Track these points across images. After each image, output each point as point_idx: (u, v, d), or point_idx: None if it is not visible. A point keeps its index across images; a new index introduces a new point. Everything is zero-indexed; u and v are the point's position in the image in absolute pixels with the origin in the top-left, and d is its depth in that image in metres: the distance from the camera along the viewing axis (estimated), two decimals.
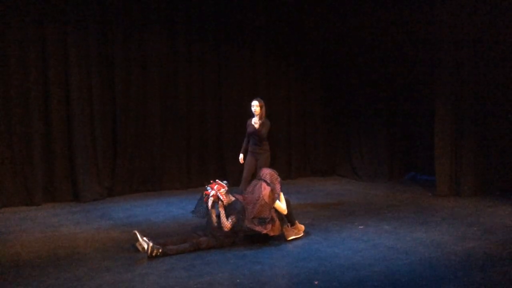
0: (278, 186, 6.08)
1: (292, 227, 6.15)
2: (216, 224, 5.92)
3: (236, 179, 9.62)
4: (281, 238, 6.06)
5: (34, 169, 8.19)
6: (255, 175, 7.00)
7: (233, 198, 5.95)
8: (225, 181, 6.07)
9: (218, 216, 5.97)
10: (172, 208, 7.97)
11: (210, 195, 5.89)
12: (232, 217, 5.78)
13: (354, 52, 10.50)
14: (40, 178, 8.24)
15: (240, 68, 10.17)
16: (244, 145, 7.44)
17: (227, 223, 5.78)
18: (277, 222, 6.00)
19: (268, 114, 10.61)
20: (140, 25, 9.08)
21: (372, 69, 10.32)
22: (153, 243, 5.41)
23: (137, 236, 5.49)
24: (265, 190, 5.92)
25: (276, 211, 6.04)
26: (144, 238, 5.46)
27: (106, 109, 8.90)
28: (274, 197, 5.97)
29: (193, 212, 6.07)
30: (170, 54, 9.44)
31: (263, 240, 5.92)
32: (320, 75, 11.06)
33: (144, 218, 7.33)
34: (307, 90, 11.01)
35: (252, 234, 5.88)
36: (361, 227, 6.63)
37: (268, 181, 6.03)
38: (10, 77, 8.01)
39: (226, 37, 9.95)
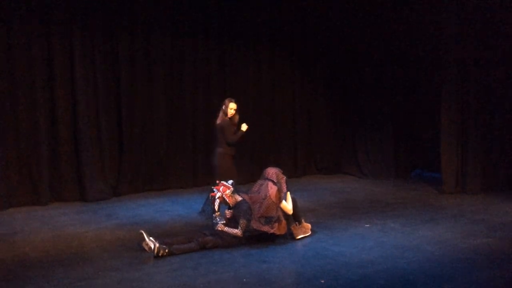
0: (284, 185, 6.08)
1: (300, 225, 6.15)
2: (223, 224, 5.91)
3: (241, 178, 9.62)
4: (287, 237, 6.05)
5: (41, 169, 8.21)
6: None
7: (239, 199, 5.95)
8: (230, 181, 6.07)
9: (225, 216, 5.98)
10: (178, 207, 7.98)
11: (216, 196, 5.89)
12: (241, 222, 5.77)
13: (358, 50, 10.47)
14: (46, 178, 8.26)
15: (245, 67, 10.16)
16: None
17: (237, 231, 5.77)
18: (283, 222, 6.00)
19: (273, 112, 10.72)
20: (144, 23, 9.08)
21: (377, 67, 10.28)
22: (159, 243, 5.42)
23: (143, 235, 5.51)
24: (272, 189, 5.92)
25: (282, 210, 6.04)
26: (150, 238, 5.47)
27: (111, 109, 8.91)
28: (280, 196, 5.98)
29: (200, 213, 6.08)
30: (175, 52, 9.44)
31: (269, 239, 5.92)
32: (325, 73, 11.03)
33: (150, 217, 7.35)
34: (312, 88, 10.99)
35: (259, 234, 5.88)
36: (367, 225, 6.62)
37: (275, 180, 6.03)
38: (15, 76, 8.03)
39: (230, 35, 9.93)
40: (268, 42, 10.37)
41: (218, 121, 6.90)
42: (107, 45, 8.78)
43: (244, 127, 6.94)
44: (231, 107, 6.87)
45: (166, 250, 5.41)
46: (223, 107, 6.92)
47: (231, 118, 6.90)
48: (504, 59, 8.19)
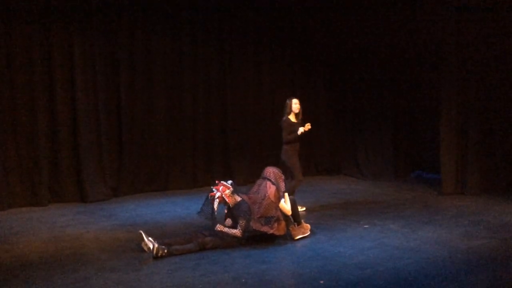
0: (282, 184, 6.08)
1: (299, 226, 6.15)
2: (223, 224, 5.90)
3: (241, 178, 9.64)
4: (286, 238, 6.05)
5: (40, 169, 8.22)
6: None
7: (238, 199, 5.94)
8: (230, 181, 6.06)
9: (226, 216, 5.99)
10: (178, 208, 7.98)
11: (216, 196, 5.88)
12: (241, 222, 5.76)
13: (359, 51, 10.48)
14: (46, 179, 8.27)
15: (245, 68, 10.18)
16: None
17: (237, 231, 5.76)
18: (283, 222, 6.00)
19: (273, 112, 10.71)
20: (144, 24, 9.09)
21: (376, 68, 10.30)
22: (159, 244, 5.42)
23: (142, 236, 5.50)
24: (271, 188, 5.93)
25: (281, 210, 6.04)
26: (150, 238, 5.47)
27: (111, 110, 8.92)
28: (279, 196, 5.98)
29: (199, 213, 6.06)
30: (175, 54, 9.45)
31: (268, 240, 5.92)
32: (325, 74, 11.05)
33: (150, 218, 7.35)
34: (312, 89, 11.00)
35: (258, 234, 5.88)
36: (367, 226, 6.62)
37: (273, 180, 6.03)
38: (15, 78, 8.04)
39: (230, 37, 9.95)
40: (268, 42, 10.39)
41: (283, 119, 7.39)
42: (107, 47, 8.79)
43: (300, 130, 7.25)
44: (295, 102, 7.34)
45: (165, 251, 5.41)
46: (287, 107, 7.36)
47: (296, 115, 7.33)
48: (504, 59, 8.18)
